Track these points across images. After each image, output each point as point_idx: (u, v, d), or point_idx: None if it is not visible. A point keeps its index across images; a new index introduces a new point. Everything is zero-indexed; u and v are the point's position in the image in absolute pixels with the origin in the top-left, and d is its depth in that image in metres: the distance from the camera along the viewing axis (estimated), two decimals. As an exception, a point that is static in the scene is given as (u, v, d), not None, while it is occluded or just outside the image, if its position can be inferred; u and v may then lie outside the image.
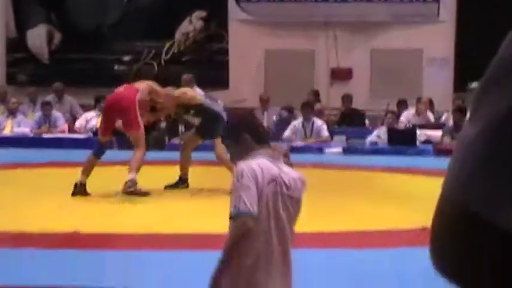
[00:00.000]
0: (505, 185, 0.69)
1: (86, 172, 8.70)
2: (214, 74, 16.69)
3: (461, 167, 0.74)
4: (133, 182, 8.54)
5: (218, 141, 8.87)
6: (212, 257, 3.28)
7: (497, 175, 0.70)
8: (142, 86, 9.29)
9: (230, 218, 3.20)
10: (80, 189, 8.60)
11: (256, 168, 3.27)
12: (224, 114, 9.34)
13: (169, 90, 9.55)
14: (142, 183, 8.62)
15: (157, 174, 9.80)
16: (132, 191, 8.53)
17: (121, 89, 9.24)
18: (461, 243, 0.73)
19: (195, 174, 9.40)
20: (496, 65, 0.77)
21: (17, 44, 17.46)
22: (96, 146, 9.12)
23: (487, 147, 0.71)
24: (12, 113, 14.84)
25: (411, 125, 14.03)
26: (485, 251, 0.71)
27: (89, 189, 8.66)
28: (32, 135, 14.36)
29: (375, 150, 13.15)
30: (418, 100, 14.82)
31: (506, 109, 0.72)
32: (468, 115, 0.78)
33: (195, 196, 8.77)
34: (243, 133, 3.45)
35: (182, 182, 9.40)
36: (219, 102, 10.92)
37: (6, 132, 14.54)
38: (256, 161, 3.33)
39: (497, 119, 0.71)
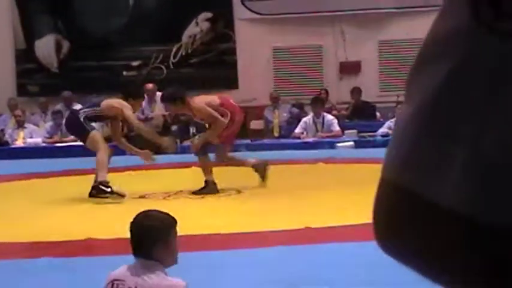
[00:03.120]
0: (441, 161, 0.69)
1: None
2: (224, 75, 16.71)
3: (398, 149, 0.74)
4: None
5: None
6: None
7: (433, 152, 0.70)
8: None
9: None
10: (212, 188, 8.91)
11: None
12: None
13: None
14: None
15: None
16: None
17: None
18: (409, 224, 0.72)
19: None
20: (428, 42, 0.76)
21: (26, 55, 17.52)
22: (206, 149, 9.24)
23: (422, 124, 0.71)
24: (20, 124, 14.90)
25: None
26: (434, 230, 0.70)
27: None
28: (44, 145, 14.42)
29: (387, 142, 13.06)
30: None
31: (437, 87, 0.71)
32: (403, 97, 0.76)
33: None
34: None
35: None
36: None
37: (19, 143, 14.62)
38: None
39: (431, 94, 0.70)
